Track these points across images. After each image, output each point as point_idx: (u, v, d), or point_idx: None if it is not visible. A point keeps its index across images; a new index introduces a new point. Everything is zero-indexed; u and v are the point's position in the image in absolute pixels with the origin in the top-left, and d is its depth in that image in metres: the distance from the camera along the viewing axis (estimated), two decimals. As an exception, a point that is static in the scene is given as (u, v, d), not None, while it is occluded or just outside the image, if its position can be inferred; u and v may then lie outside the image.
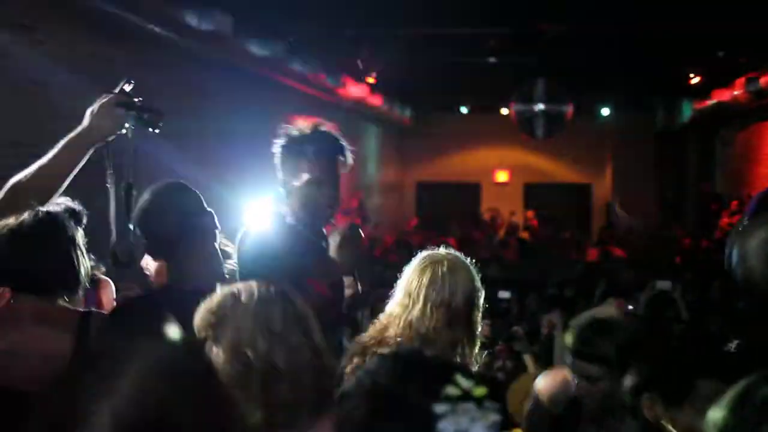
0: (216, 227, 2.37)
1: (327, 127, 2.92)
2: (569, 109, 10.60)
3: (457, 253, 2.55)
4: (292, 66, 9.14)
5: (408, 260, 2.68)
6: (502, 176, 18.65)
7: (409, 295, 2.43)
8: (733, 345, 3.11)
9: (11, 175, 2.37)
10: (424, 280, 2.43)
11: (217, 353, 1.66)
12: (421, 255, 2.55)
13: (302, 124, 2.87)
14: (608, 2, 7.82)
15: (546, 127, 10.45)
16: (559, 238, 11.21)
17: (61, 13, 5.86)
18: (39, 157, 2.37)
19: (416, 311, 2.40)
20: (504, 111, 13.66)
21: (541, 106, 10.32)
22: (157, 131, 2.54)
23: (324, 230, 3.05)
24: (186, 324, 2.00)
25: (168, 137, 7.43)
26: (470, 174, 18.36)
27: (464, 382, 1.17)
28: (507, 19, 8.62)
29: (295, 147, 2.81)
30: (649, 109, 15.64)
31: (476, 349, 2.50)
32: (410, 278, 2.47)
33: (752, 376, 1.33)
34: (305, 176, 2.78)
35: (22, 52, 5.47)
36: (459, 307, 2.42)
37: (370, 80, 11.94)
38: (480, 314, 2.50)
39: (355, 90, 11.99)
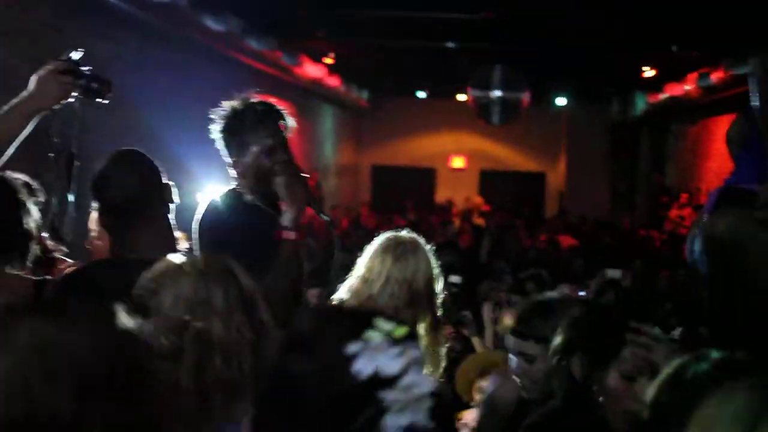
0: (172, 200, 2.32)
1: (257, 98, 2.84)
2: (526, 97, 10.67)
3: (418, 237, 2.58)
4: (248, 42, 9.03)
5: (363, 243, 2.68)
6: (458, 162, 18.73)
7: (371, 271, 2.45)
8: (677, 332, 3.18)
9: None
10: (388, 258, 2.44)
11: (151, 322, 1.60)
12: (385, 236, 2.56)
13: (233, 101, 2.79)
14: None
15: (502, 113, 10.50)
16: (512, 225, 11.28)
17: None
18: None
19: (377, 287, 2.41)
20: (461, 97, 13.68)
21: (498, 93, 10.36)
22: (105, 102, 2.49)
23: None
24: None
25: (118, 110, 7.29)
26: (426, 159, 18.41)
27: (385, 324, 1.18)
28: (465, 4, 8.64)
29: (235, 123, 2.72)
30: (604, 100, 15.82)
31: (442, 331, 2.53)
32: (373, 256, 2.48)
33: (686, 356, 1.35)
34: (253, 148, 2.70)
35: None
36: (420, 287, 2.45)
37: (328, 61, 11.88)
38: (439, 298, 2.53)
39: (312, 70, 11.91)
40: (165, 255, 1.93)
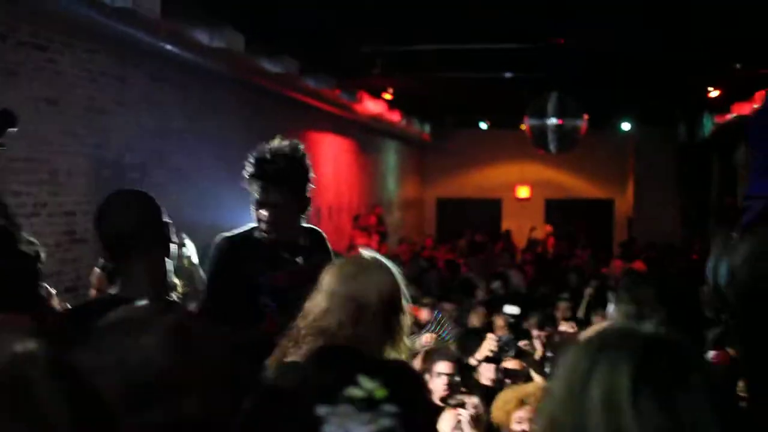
0: (171, 240, 2.35)
1: (291, 149, 3.03)
2: (583, 124, 10.54)
3: (380, 257, 2.53)
4: (305, 82, 9.19)
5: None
6: (523, 192, 18.57)
7: (320, 291, 2.43)
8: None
9: None
10: (335, 277, 2.42)
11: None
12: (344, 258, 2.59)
13: (270, 145, 3.02)
14: (626, 18, 7.79)
15: (559, 141, 10.39)
16: (575, 255, 11.14)
17: None
18: None
19: (322, 306, 2.38)
20: (524, 126, 13.61)
21: (554, 120, 10.27)
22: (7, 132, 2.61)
23: (304, 245, 3.13)
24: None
25: (179, 156, 7.43)
26: (491, 190, 18.32)
27: (367, 383, 1.16)
28: (524, 33, 8.62)
29: (248, 167, 3.03)
30: (670, 122, 15.51)
31: (399, 353, 2.44)
32: (325, 276, 2.46)
33: None
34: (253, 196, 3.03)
35: None
36: (370, 305, 2.37)
37: (387, 96, 11.98)
38: (404, 317, 2.44)
39: (372, 106, 12.03)
40: (154, 294, 2.03)
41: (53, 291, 3.05)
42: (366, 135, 13.80)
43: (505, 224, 18.06)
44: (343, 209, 12.71)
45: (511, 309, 5.67)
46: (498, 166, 18.22)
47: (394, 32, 8.30)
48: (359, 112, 11.79)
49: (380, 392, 1.16)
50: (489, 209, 18.43)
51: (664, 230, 15.35)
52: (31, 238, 2.48)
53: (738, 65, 9.46)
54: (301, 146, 3.12)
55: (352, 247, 12.22)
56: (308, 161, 3.13)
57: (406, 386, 1.24)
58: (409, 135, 15.93)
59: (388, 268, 2.45)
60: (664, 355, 1.15)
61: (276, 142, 3.05)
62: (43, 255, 2.50)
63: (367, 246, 12.39)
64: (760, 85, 10.60)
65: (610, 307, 2.67)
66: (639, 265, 11.10)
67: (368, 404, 1.15)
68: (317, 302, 2.39)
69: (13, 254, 2.30)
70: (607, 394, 1.11)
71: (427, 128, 16.74)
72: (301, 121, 10.47)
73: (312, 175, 3.15)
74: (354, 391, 1.15)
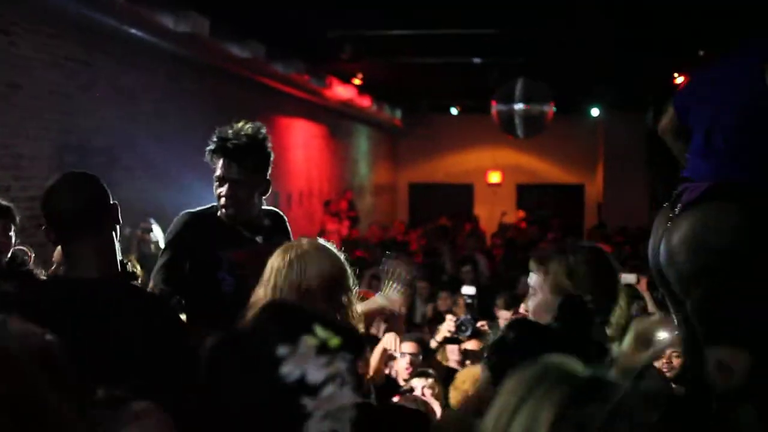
0: (118, 221, 2.38)
1: (253, 129, 3.12)
2: (550, 109, 10.62)
3: (321, 240, 2.63)
4: (274, 67, 9.18)
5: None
6: (494, 177, 18.68)
7: (264, 278, 2.53)
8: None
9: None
10: (275, 263, 2.51)
11: None
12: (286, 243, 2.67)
13: (233, 126, 3.11)
14: (592, 3, 7.86)
15: (526, 126, 10.47)
16: (546, 239, 11.25)
17: None
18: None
19: (267, 292, 2.48)
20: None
21: (521, 106, 10.34)
22: None
23: (265, 225, 3.19)
24: (72, 314, 2.07)
25: (147, 139, 7.39)
26: (463, 175, 18.41)
27: (322, 332, 1.22)
28: (494, 19, 8.66)
29: (210, 145, 3.12)
30: (638, 108, 15.66)
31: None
32: (269, 263, 2.56)
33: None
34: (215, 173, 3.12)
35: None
36: (312, 289, 2.47)
37: (357, 81, 11.99)
38: (348, 300, 2.54)
39: (342, 91, 12.03)
40: (104, 274, 2.14)
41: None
42: (336, 120, 13.81)
43: (477, 209, 18.17)
44: (314, 195, 12.73)
45: (468, 290, 5.76)
46: (470, 151, 18.31)
47: (362, 16, 8.30)
48: (329, 97, 11.79)
49: (334, 341, 1.23)
50: (461, 194, 18.52)
51: (633, 214, 15.51)
52: None
53: (702, 52, 9.58)
54: (264, 129, 3.20)
55: (323, 232, 12.26)
56: (270, 144, 3.20)
57: (356, 343, 1.32)
58: (380, 120, 15.96)
59: (328, 252, 2.55)
60: (592, 402, 1.15)
61: (240, 124, 3.14)
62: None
63: (338, 231, 12.45)
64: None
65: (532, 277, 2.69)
66: (607, 250, 11.23)
67: (324, 350, 1.22)
68: (261, 294, 2.49)
69: None
70: None
71: (398, 114, 16.76)
72: (270, 106, 10.47)
73: (272, 157, 3.22)
74: (310, 338, 1.22)
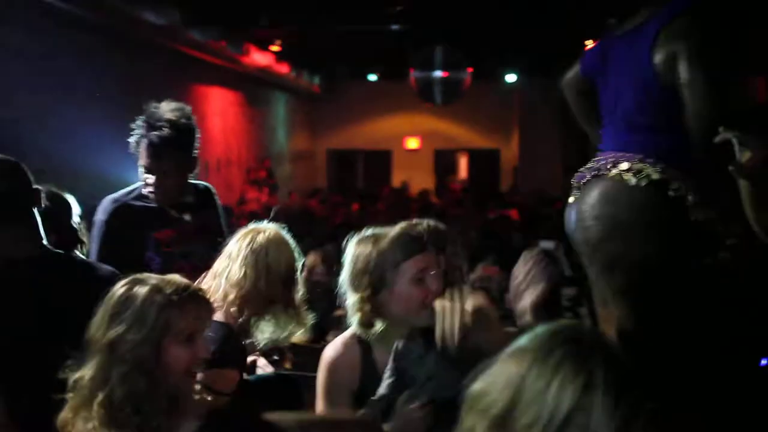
0: (40, 205, 2.40)
1: (178, 114, 3.12)
2: (467, 76, 10.79)
3: (279, 227, 2.74)
4: (190, 34, 9.02)
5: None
6: (412, 143, 18.82)
7: (229, 256, 2.61)
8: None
9: None
10: (244, 244, 2.59)
11: None
12: (247, 226, 2.75)
13: (158, 108, 3.12)
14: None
15: (444, 93, 10.61)
16: (463, 204, 11.45)
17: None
18: None
19: (233, 270, 2.56)
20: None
21: (439, 73, 10.47)
22: None
23: (191, 202, 3.21)
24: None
25: (59, 106, 7.19)
26: (381, 141, 18.48)
27: None
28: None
29: (135, 132, 3.11)
30: (552, 74, 15.92)
31: (298, 320, 2.68)
32: (234, 242, 2.64)
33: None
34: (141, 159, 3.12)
35: None
36: (279, 274, 2.60)
37: (275, 48, 11.88)
38: (297, 289, 2.70)
39: (259, 58, 11.90)
40: (30, 254, 2.23)
41: None
42: (254, 87, 13.66)
43: (396, 175, 18.30)
44: (232, 163, 12.61)
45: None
46: (388, 117, 18.39)
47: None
48: (247, 64, 11.65)
49: None
50: (379, 160, 18.63)
51: (548, 178, 15.88)
52: None
53: (612, 20, 9.83)
54: (188, 109, 3.21)
55: (243, 201, 12.18)
56: (195, 124, 3.21)
57: None
58: (298, 87, 15.85)
59: (288, 242, 2.71)
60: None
61: (163, 106, 3.12)
62: None
63: (258, 199, 12.38)
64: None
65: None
66: (513, 213, 11.56)
67: None
68: (226, 266, 2.60)
69: None
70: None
71: (316, 80, 16.68)
72: (186, 74, 10.28)
73: (198, 135, 3.22)
74: None
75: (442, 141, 18.52)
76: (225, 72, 11.56)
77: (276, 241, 2.65)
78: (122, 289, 1.89)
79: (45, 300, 2.24)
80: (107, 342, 1.80)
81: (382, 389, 2.37)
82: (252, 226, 2.72)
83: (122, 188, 3.26)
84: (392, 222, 2.68)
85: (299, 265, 2.71)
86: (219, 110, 11.95)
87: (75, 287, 2.27)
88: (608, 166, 2.64)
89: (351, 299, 2.53)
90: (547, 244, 5.94)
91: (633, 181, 2.54)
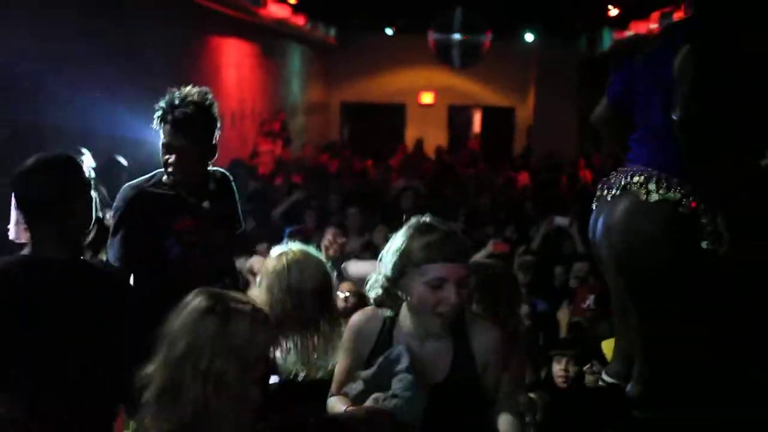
0: (90, 197, 2.40)
1: (199, 96, 3.13)
2: (486, 39, 10.67)
3: (309, 248, 2.80)
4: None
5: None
6: (427, 98, 18.70)
7: (258, 284, 2.68)
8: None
9: None
10: (272, 267, 2.67)
11: None
12: (276, 250, 2.84)
13: (179, 91, 3.13)
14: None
15: (463, 56, 10.51)
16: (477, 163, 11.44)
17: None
18: None
19: (263, 295, 2.64)
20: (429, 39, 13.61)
21: (458, 36, 10.35)
22: None
23: (211, 190, 3.24)
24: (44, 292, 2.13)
25: (89, 62, 7.12)
26: (395, 95, 18.37)
27: None
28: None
29: (156, 111, 3.12)
30: (571, 36, 15.76)
31: (336, 329, 2.75)
32: (266, 266, 2.72)
33: None
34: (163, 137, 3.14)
35: None
36: (304, 293, 2.65)
37: (292, 0, 11.76)
38: (333, 299, 2.78)
39: (276, 10, 11.78)
40: (74, 254, 2.27)
41: None
42: (270, 39, 13.54)
43: (409, 130, 18.24)
44: (246, 115, 12.57)
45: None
46: (403, 71, 18.23)
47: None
48: (263, 15, 11.53)
49: None
50: (393, 114, 18.54)
51: (561, 140, 15.81)
52: None
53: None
54: (210, 94, 3.21)
55: (255, 153, 12.17)
56: (216, 109, 3.24)
57: None
58: (314, 39, 15.71)
59: (319, 261, 2.75)
60: None
61: (186, 89, 3.15)
62: None
63: (272, 152, 12.36)
64: (656, 6, 10.89)
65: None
66: (523, 177, 11.55)
67: None
68: (255, 294, 2.66)
69: None
70: None
71: (332, 32, 16.52)
72: (202, 25, 10.19)
73: (219, 123, 3.25)
74: None
75: (457, 97, 18.39)
76: (242, 24, 11.45)
77: (299, 261, 2.71)
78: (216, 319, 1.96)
79: (69, 304, 2.23)
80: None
81: (365, 373, 2.49)
82: (279, 249, 2.82)
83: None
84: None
85: (330, 281, 2.77)
86: (235, 62, 11.86)
87: (95, 296, 2.29)
88: (635, 180, 2.72)
89: (376, 276, 2.58)
90: (561, 220, 5.96)
91: (655, 197, 2.63)
